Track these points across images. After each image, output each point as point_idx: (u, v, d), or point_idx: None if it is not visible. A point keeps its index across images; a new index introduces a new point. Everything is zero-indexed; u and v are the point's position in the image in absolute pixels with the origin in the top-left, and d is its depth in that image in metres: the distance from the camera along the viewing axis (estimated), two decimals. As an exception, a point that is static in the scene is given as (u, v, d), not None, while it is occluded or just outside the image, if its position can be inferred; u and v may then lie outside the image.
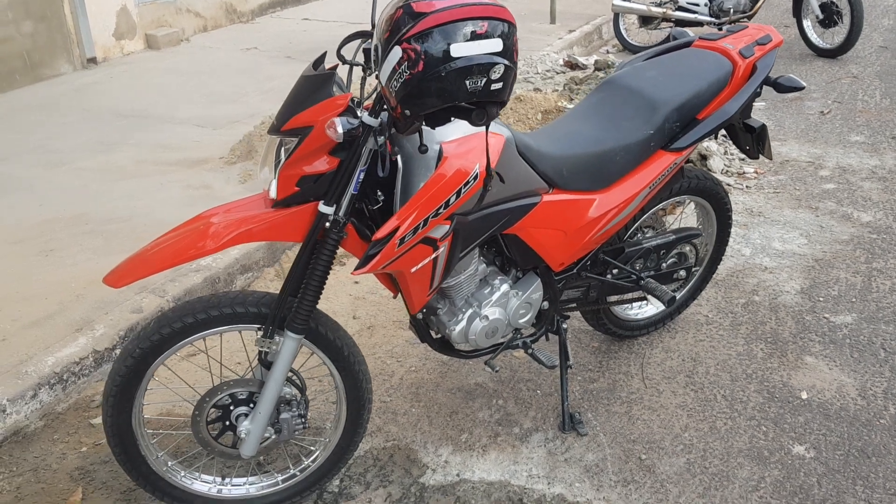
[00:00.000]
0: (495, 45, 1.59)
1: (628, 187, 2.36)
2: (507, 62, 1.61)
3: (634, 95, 2.40)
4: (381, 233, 1.87)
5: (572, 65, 6.01)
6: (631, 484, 2.32)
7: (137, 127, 5.37)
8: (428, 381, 2.83)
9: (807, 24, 6.81)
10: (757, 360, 2.83)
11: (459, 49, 1.55)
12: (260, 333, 2.05)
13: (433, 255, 2.00)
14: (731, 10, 6.78)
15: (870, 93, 5.79)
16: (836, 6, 6.47)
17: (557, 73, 5.71)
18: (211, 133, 5.13)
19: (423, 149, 1.79)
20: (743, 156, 4.56)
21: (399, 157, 1.93)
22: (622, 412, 2.61)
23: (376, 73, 1.68)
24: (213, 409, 2.13)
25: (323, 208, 1.90)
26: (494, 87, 1.62)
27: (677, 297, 2.99)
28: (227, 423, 2.16)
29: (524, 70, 5.68)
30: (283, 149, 1.91)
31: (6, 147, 5.12)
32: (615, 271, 2.58)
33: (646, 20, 7.29)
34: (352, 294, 3.41)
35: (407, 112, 1.63)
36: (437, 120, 1.75)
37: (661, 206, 2.65)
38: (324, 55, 1.97)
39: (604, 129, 2.34)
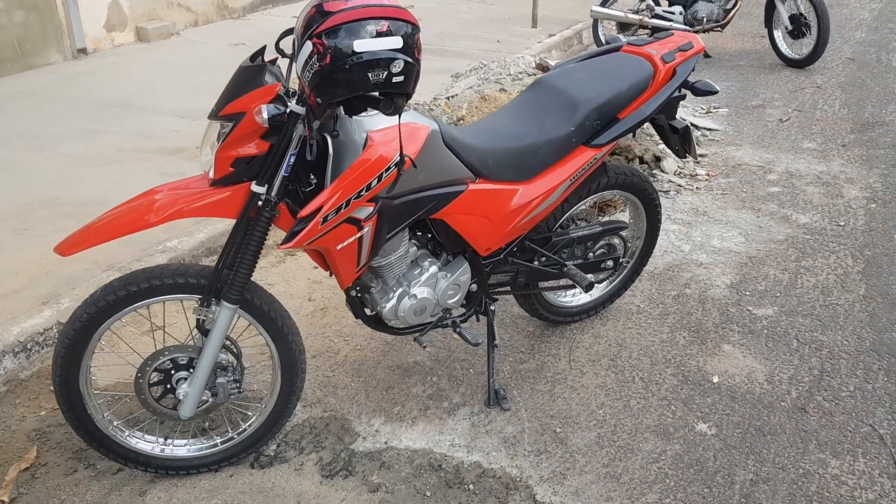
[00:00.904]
0: (396, 42, 1.78)
1: (550, 179, 2.54)
2: (407, 58, 1.80)
3: (560, 95, 2.58)
4: (305, 210, 2.05)
5: (543, 67, 6.20)
6: (543, 454, 2.51)
7: (120, 116, 5.55)
8: (370, 358, 3.01)
9: (777, 34, 7.00)
10: (678, 347, 3.02)
11: (362, 45, 1.74)
12: (198, 303, 2.23)
13: (358, 235, 2.19)
14: (705, 20, 6.97)
15: (830, 102, 5.99)
16: (805, 18, 6.66)
17: (528, 76, 5.89)
18: (190, 124, 5.32)
19: (334, 134, 1.98)
20: (697, 159, 4.76)
21: (330, 143, 2.12)
22: (545, 391, 2.80)
23: (295, 64, 1.87)
24: (155, 373, 2.31)
25: (255, 188, 2.08)
26: (396, 79, 1.81)
27: (608, 288, 3.18)
28: (169, 386, 2.34)
29: (496, 71, 5.87)
30: (220, 133, 2.10)
31: (-9, 132, 5.31)
32: (543, 258, 2.76)
33: (623, 27, 7.48)
34: (310, 278, 3.59)
35: (319, 100, 1.82)
36: (353, 109, 1.94)
37: (587, 199, 2.83)
38: (263, 48, 2.16)
39: (528, 125, 2.53)
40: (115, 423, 2.41)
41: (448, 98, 5.62)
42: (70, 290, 3.33)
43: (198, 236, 3.78)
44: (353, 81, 1.78)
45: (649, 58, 2.68)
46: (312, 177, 2.17)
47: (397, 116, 1.95)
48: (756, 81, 6.58)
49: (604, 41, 7.51)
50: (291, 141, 2.04)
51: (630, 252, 3.16)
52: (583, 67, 2.71)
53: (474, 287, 2.65)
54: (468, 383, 2.85)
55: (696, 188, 4.46)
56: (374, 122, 2.14)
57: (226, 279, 2.21)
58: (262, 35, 8.20)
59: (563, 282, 3.00)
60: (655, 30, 7.35)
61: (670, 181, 4.44)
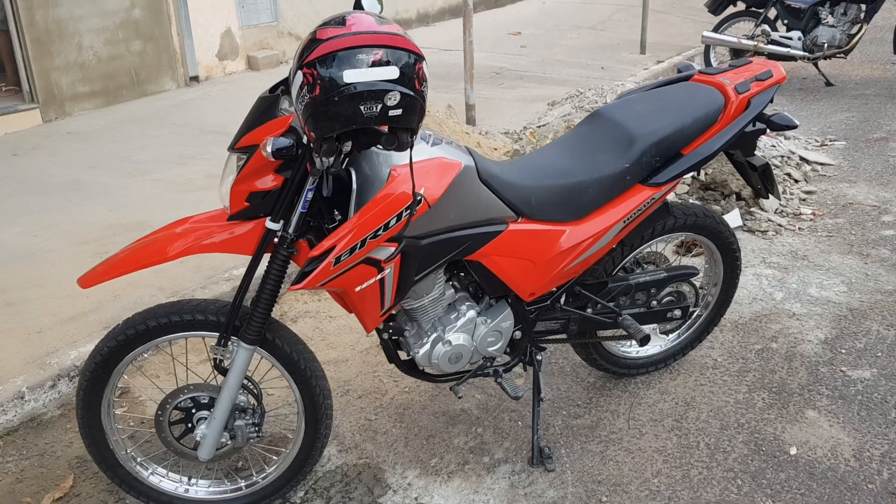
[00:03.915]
0: (391, 73, 1.63)
1: (601, 220, 2.32)
2: (404, 90, 1.64)
3: (616, 128, 2.36)
4: (316, 250, 1.93)
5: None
6: (584, 525, 2.26)
7: (217, 142, 5.68)
8: (416, 403, 2.85)
9: (910, 61, 6.42)
10: (754, 410, 2.70)
11: (352, 75, 1.60)
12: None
13: (378, 277, 2.04)
14: (826, 45, 6.49)
15: (966, 137, 5.40)
16: (942, 44, 6.07)
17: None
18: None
19: (331, 171, 1.84)
20: (804, 195, 4.36)
21: (354, 177, 1.99)
22: (597, 451, 2.55)
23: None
24: (175, 411, 2.24)
25: (269, 224, 1.98)
26: (393, 113, 1.66)
27: (678, 339, 2.89)
28: (189, 425, 2.26)
29: (591, 99, 5.63)
30: (237, 165, 2.01)
31: (99, 155, 5.55)
32: (597, 306, 2.53)
33: (736, 53, 7.07)
34: (370, 313, 3.47)
35: (313, 134, 1.69)
36: (361, 144, 1.80)
37: (649, 242, 2.58)
38: (285, 79, 2.06)
39: (579, 161, 2.32)
40: (138, 459, 2.36)
41: (539, 126, 5.44)
42: (128, 313, 3.35)
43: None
44: (345, 115, 1.64)
45: (721, 87, 2.42)
46: (336, 213, 2.05)
47: (409, 152, 1.80)
48: (881, 112, 6.03)
49: (715, 68, 7.13)
50: (308, 175, 1.93)
51: (703, 301, 2.87)
52: (645, 98, 2.47)
53: (518, 334, 2.44)
54: (514, 437, 2.64)
55: (799, 229, 4.06)
56: (402, 155, 2.00)
57: (243, 318, 2.12)
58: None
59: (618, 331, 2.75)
60: (771, 57, 6.90)
61: (769, 220, 4.07)
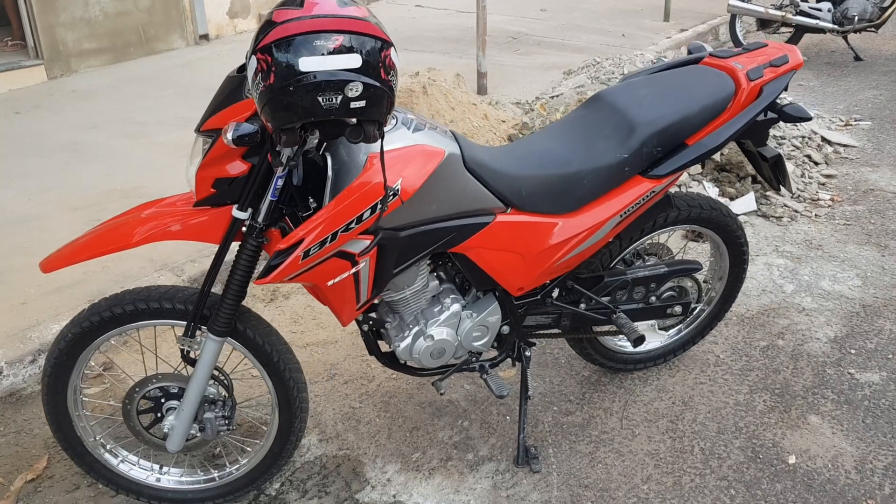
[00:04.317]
0: (352, 61, 1.48)
1: (597, 213, 2.17)
2: (367, 80, 1.50)
3: (616, 114, 2.20)
4: (283, 243, 1.81)
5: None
6: (565, 533, 2.16)
7: (221, 105, 5.53)
8: (403, 391, 2.75)
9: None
10: (754, 413, 2.57)
11: (309, 63, 1.46)
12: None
13: (352, 271, 1.92)
14: (856, 18, 6.21)
15: None
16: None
17: (645, 76, 5.42)
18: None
19: (292, 164, 1.71)
20: (823, 179, 4.17)
21: (329, 163, 1.86)
22: (586, 452, 2.43)
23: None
24: (143, 400, 2.15)
25: (236, 213, 1.86)
26: (355, 105, 1.51)
27: (678, 335, 2.76)
28: (159, 414, 2.17)
29: (608, 70, 5.41)
30: (202, 149, 1.88)
31: (101, 115, 5.44)
32: (591, 301, 2.40)
33: (764, 23, 6.81)
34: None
35: (270, 124, 1.56)
36: (327, 134, 1.67)
37: (651, 235, 2.44)
38: None
39: (574, 149, 2.17)
40: (108, 446, 2.28)
41: (552, 97, 5.24)
42: (118, 289, 3.25)
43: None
44: (301, 106, 1.50)
45: (732, 73, 2.25)
46: (312, 200, 1.92)
47: (380, 144, 1.66)
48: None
49: (742, 39, 6.88)
50: (281, 163, 1.80)
51: (706, 296, 2.72)
52: (650, 81, 2.31)
53: (506, 329, 2.32)
54: (501, 433, 2.53)
55: (815, 216, 3.89)
56: (385, 140, 1.86)
57: (213, 307, 2.01)
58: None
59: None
60: (800, 28, 6.63)
61: (785, 205, 3.89)
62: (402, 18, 8.36)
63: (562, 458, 2.42)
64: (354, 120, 1.60)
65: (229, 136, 1.65)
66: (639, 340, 2.33)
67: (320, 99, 1.49)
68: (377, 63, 1.51)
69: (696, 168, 4.10)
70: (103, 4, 6.52)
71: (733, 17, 6.94)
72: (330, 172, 1.85)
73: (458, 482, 2.35)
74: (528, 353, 2.40)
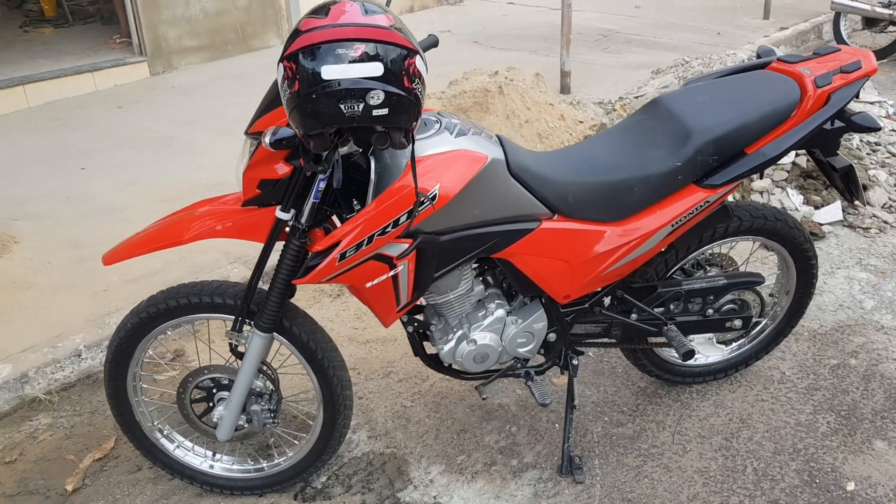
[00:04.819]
0: (373, 69, 1.49)
1: (647, 222, 2.12)
2: (388, 88, 1.50)
3: (672, 121, 2.14)
4: (320, 245, 1.84)
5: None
6: (603, 547, 2.12)
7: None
8: (455, 392, 2.76)
9: None
10: (816, 435, 2.45)
11: (330, 71, 1.48)
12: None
13: (390, 273, 1.94)
14: (974, 16, 5.80)
15: None
16: None
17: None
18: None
19: (320, 168, 1.73)
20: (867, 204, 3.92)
21: (373, 166, 1.88)
22: (633, 466, 2.38)
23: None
24: (196, 390, 2.24)
25: (279, 214, 1.91)
26: (378, 112, 1.52)
27: (740, 350, 2.66)
28: (211, 404, 2.25)
29: (697, 70, 5.25)
30: (249, 151, 1.94)
31: (196, 111, 5.68)
32: (643, 312, 2.34)
33: (870, 22, 6.45)
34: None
35: (298, 130, 1.59)
36: (361, 140, 1.69)
37: (709, 246, 2.36)
38: None
39: (626, 156, 2.12)
40: (164, 431, 2.38)
41: (636, 97, 5.13)
42: (192, 278, 3.39)
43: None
44: (325, 113, 1.52)
45: (799, 79, 2.14)
46: (356, 202, 1.95)
47: (411, 150, 1.68)
48: None
49: (846, 39, 6.55)
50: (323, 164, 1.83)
51: (770, 311, 2.61)
52: (711, 87, 2.23)
53: (552, 337, 2.29)
54: (549, 440, 2.51)
55: (909, 227, 3.66)
56: (426, 145, 1.88)
57: (260, 303, 2.07)
58: (471, 22, 8.09)
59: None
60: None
61: (874, 216, 3.68)
62: (492, 16, 8.36)
63: (607, 470, 2.37)
64: (381, 127, 1.61)
65: (267, 139, 1.70)
66: (688, 355, 2.26)
67: (342, 106, 1.51)
68: (400, 71, 1.52)
69: (781, 174, 3.93)
70: (203, 3, 6.78)
71: (837, 15, 6.60)
72: (373, 175, 1.88)
73: (499, 488, 2.34)
74: (575, 362, 2.36)
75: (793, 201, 3.79)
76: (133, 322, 2.15)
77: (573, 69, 5.72)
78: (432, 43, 2.12)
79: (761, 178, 3.66)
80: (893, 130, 4.40)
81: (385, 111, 1.53)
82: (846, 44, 6.58)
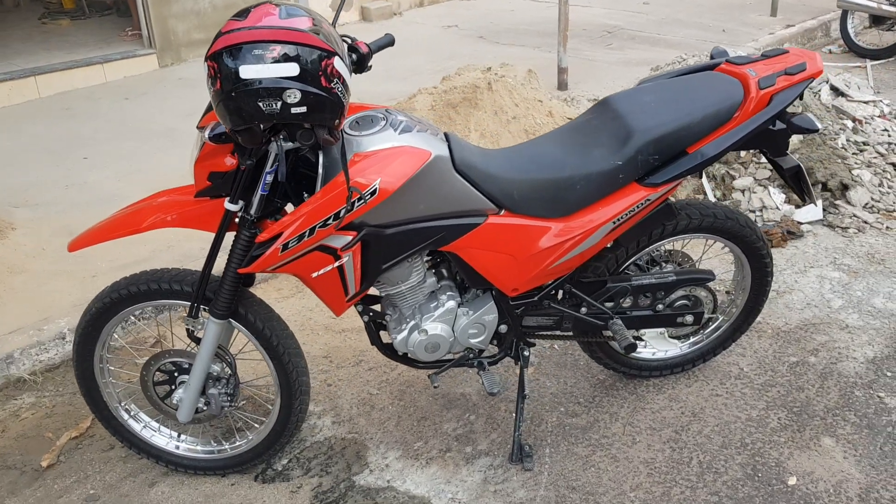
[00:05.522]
0: (289, 69, 1.57)
1: (589, 218, 2.18)
2: (305, 87, 1.58)
3: (617, 120, 2.19)
4: (263, 236, 1.93)
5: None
6: (542, 532, 2.19)
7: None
8: (421, 381, 2.84)
9: None
10: (765, 430, 2.49)
11: (248, 71, 1.56)
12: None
13: (335, 265, 2.02)
14: (980, 15, 5.74)
15: None
16: None
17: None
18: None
19: (248, 163, 1.81)
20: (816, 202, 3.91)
21: (321, 160, 1.96)
22: (582, 455, 2.44)
23: None
24: (158, 373, 2.34)
25: (228, 205, 1.99)
26: (297, 110, 1.60)
27: (697, 346, 2.70)
28: (172, 387, 2.35)
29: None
30: (199, 144, 2.03)
31: (200, 103, 5.72)
32: (592, 305, 2.39)
33: (877, 20, 6.42)
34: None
35: (224, 126, 1.67)
36: (291, 136, 1.77)
37: (659, 243, 2.40)
38: None
39: (570, 154, 2.18)
40: (131, 412, 2.48)
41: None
42: (177, 266, 3.50)
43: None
44: (244, 110, 1.61)
45: (744, 80, 2.19)
46: (305, 195, 2.03)
47: (341, 148, 1.76)
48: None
49: (853, 37, 6.52)
50: (266, 157, 1.92)
51: (723, 307, 2.65)
52: (659, 88, 2.27)
53: (503, 328, 2.36)
54: (504, 430, 2.58)
55: (887, 228, 3.67)
56: (371, 141, 1.95)
57: (215, 291, 2.16)
58: (477, 17, 8.13)
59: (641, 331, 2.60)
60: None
61: (854, 216, 3.69)
62: (500, 11, 8.39)
63: (557, 458, 2.44)
64: (307, 124, 1.69)
65: (206, 133, 1.79)
66: (630, 348, 2.32)
67: (261, 104, 1.59)
68: (317, 72, 1.60)
69: (764, 173, 3.95)
70: (212, -3, 6.90)
71: (844, 13, 6.57)
72: (321, 169, 1.96)
73: (451, 473, 2.42)
74: (526, 353, 2.43)
75: (774, 200, 3.82)
76: (97, 306, 2.25)
77: (573, 66, 5.75)
78: (388, 42, 2.20)
79: (700, 176, 3.70)
80: (885, 130, 4.39)
81: (303, 109, 1.61)
82: (853, 42, 6.56)
